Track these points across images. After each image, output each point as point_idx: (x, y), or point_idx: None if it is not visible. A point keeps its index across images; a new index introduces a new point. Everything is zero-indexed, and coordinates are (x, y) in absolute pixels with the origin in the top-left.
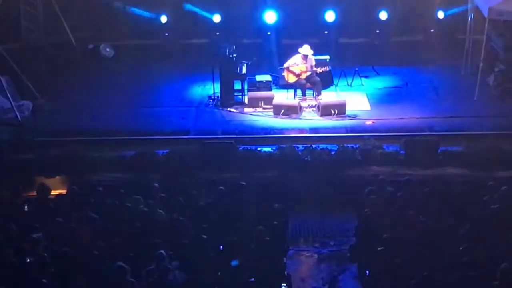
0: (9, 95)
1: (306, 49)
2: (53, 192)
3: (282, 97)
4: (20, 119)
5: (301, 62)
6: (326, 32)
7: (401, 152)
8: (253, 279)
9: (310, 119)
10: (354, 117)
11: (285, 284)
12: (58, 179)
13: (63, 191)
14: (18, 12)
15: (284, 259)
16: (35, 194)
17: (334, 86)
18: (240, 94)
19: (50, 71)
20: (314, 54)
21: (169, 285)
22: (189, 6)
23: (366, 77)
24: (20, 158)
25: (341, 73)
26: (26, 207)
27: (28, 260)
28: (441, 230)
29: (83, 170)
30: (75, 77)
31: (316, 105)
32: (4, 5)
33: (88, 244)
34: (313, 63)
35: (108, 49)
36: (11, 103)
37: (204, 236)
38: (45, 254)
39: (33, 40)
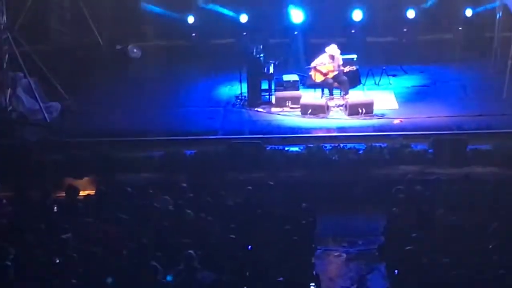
0: (37, 96)
1: (333, 49)
2: (82, 193)
3: (310, 96)
4: (48, 120)
5: (328, 61)
6: (353, 31)
7: (429, 151)
8: (281, 279)
9: (337, 119)
10: (381, 116)
11: (313, 284)
12: (87, 179)
13: (92, 192)
14: (46, 14)
15: (312, 258)
16: (64, 194)
17: (361, 85)
18: (267, 94)
19: (78, 72)
20: (341, 53)
21: (197, 284)
22: (216, 7)
23: (393, 76)
24: (49, 159)
25: (368, 72)
26: (55, 207)
27: (57, 261)
28: (470, 228)
29: (111, 170)
30: (103, 78)
31: (343, 104)
32: (33, 7)
33: (116, 244)
34: (340, 62)
35: (135, 50)
36: (39, 104)
37: (232, 236)
38: (74, 255)
39: (62, 42)
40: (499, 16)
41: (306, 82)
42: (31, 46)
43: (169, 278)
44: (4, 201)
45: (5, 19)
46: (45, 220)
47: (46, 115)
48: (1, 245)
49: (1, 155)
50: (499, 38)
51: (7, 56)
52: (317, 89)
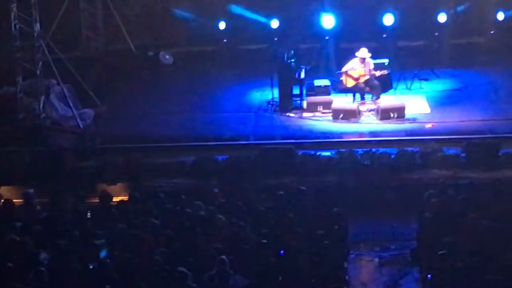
0: (70, 103)
1: (363, 53)
2: (115, 199)
3: (341, 101)
4: (81, 127)
5: (360, 66)
6: (384, 35)
7: (462, 155)
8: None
9: (369, 123)
10: (413, 120)
11: None
12: (120, 185)
13: (125, 198)
14: (78, 21)
15: (345, 263)
16: (98, 200)
17: (393, 89)
18: (299, 99)
19: (111, 79)
20: (373, 58)
21: None
22: (246, 12)
23: (425, 80)
24: (82, 166)
25: (400, 77)
26: (88, 213)
27: (91, 267)
28: (503, 233)
29: (144, 176)
30: (135, 84)
31: (375, 109)
32: (65, 14)
33: (149, 250)
34: (372, 66)
35: (167, 56)
36: (72, 111)
37: (264, 241)
38: (108, 261)
39: (94, 48)
40: None
41: (338, 87)
42: (64, 53)
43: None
44: (39, 207)
45: (39, 26)
46: (79, 226)
47: (79, 121)
48: (35, 251)
49: (36, 162)
50: None
51: (40, 63)
52: (348, 94)
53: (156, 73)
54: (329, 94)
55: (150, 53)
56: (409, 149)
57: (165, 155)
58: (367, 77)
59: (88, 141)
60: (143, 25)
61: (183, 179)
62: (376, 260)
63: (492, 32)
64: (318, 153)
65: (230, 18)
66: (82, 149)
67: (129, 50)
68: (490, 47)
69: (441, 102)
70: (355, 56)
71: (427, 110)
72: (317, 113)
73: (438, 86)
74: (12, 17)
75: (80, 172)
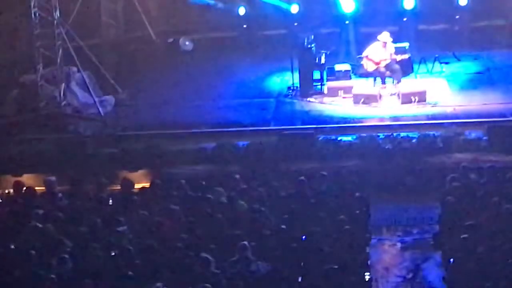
0: (91, 90)
1: (385, 36)
2: (137, 186)
3: (362, 85)
4: (102, 114)
5: (381, 50)
6: (405, 19)
7: (484, 138)
8: (336, 267)
9: (390, 108)
10: (435, 104)
11: (368, 273)
12: (141, 172)
13: (146, 185)
14: (98, 8)
15: (367, 248)
16: (119, 188)
17: (414, 73)
18: (319, 84)
19: (131, 66)
20: (393, 42)
21: (252, 275)
22: None
23: (446, 63)
24: (103, 153)
25: (421, 60)
26: (110, 201)
27: (114, 254)
28: None
29: (165, 163)
30: (156, 71)
31: (396, 93)
32: (85, 2)
33: (171, 236)
34: (393, 50)
35: (187, 43)
36: (93, 98)
37: (286, 227)
38: (130, 247)
39: (114, 35)
40: None
41: (358, 71)
42: (84, 40)
43: None
44: (60, 195)
45: (59, 14)
46: (101, 213)
47: (100, 109)
48: (58, 239)
49: (57, 149)
50: None
51: (61, 51)
52: (369, 78)
53: (176, 60)
54: (349, 78)
55: (170, 40)
56: (431, 133)
57: (186, 141)
58: (388, 61)
59: (109, 128)
60: (163, 12)
61: (204, 166)
62: (399, 244)
63: None
64: (339, 138)
65: (250, 3)
66: (103, 136)
67: (148, 37)
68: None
69: (462, 86)
70: (376, 40)
71: (449, 93)
72: (337, 98)
73: (459, 69)
74: (32, 4)
75: (101, 159)
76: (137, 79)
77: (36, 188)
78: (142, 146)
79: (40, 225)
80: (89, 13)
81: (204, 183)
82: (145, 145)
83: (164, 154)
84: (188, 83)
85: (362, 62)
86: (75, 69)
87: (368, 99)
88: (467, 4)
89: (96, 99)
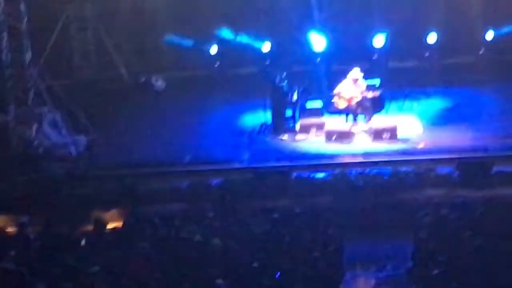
0: (63, 130)
1: (356, 74)
2: (109, 225)
3: (334, 123)
4: (74, 153)
5: (352, 87)
6: (375, 56)
7: (455, 174)
8: None
9: (362, 144)
10: (406, 140)
11: None
12: (114, 212)
13: (119, 224)
14: (70, 48)
15: (341, 285)
16: (92, 227)
17: (385, 110)
18: (292, 121)
19: (103, 105)
20: (364, 79)
21: None
22: (238, 36)
23: (417, 100)
24: (76, 193)
25: (391, 97)
26: (83, 241)
27: None
28: (498, 252)
29: (138, 202)
30: (128, 110)
31: (367, 129)
32: (56, 42)
33: (145, 276)
34: (364, 87)
35: (159, 82)
36: (65, 138)
37: (260, 264)
38: None
39: (86, 75)
40: None
41: (330, 109)
42: (56, 81)
43: None
44: (32, 236)
45: (31, 55)
46: (74, 254)
47: (72, 149)
48: (30, 280)
49: (29, 189)
50: None
51: (32, 91)
52: (341, 115)
53: (149, 99)
54: (321, 116)
55: (142, 79)
56: (403, 169)
57: (159, 180)
58: (359, 98)
59: (81, 168)
60: (135, 52)
61: (177, 204)
62: (372, 280)
63: (481, 51)
64: (312, 175)
65: (222, 42)
66: (76, 176)
67: (120, 77)
68: (480, 66)
69: (433, 122)
70: (347, 78)
71: (420, 130)
72: (310, 135)
73: (429, 105)
74: (3, 45)
75: (74, 199)
76: (109, 119)
77: (9, 229)
78: (114, 186)
79: (12, 267)
80: (61, 53)
81: (177, 221)
82: (117, 185)
83: (137, 193)
84: (161, 122)
85: (333, 100)
86: (47, 109)
87: (340, 136)
88: (436, 42)
89: (68, 139)
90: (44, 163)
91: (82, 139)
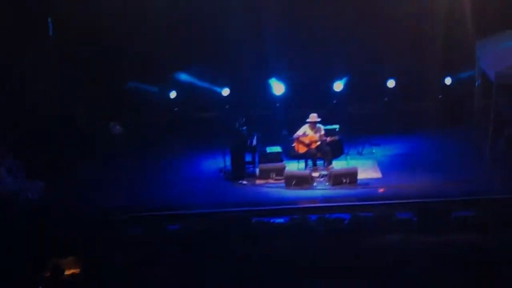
0: (20, 176)
1: (313, 118)
2: (67, 272)
3: (293, 167)
4: (32, 199)
5: (311, 132)
6: (334, 101)
7: (414, 219)
8: None
9: (321, 189)
10: (365, 185)
11: None
12: (71, 259)
13: (77, 271)
14: (26, 94)
15: None
16: (49, 274)
17: (344, 155)
18: (251, 166)
19: (61, 151)
20: (324, 124)
21: None
22: (197, 81)
23: (376, 145)
24: (33, 239)
25: (351, 142)
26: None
27: None
28: None
29: (96, 249)
30: (85, 156)
31: (327, 174)
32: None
33: None
34: (323, 132)
35: (118, 127)
36: (22, 184)
37: None
38: None
39: (43, 120)
40: (478, 83)
41: (290, 153)
42: (12, 125)
43: None
44: None
45: None
46: None
47: (29, 195)
48: None
49: None
50: (479, 105)
51: None
52: (300, 160)
53: (107, 144)
54: (281, 160)
55: (100, 124)
56: (362, 214)
57: (117, 226)
58: (319, 143)
59: (38, 214)
60: (93, 96)
61: (135, 251)
62: None
63: (440, 96)
64: (272, 220)
65: (181, 87)
66: (32, 223)
67: (78, 121)
68: (439, 111)
69: (392, 167)
70: (306, 122)
71: (379, 175)
72: (270, 180)
73: (388, 151)
74: None
75: (30, 246)
76: (66, 164)
77: None
78: (72, 232)
79: None
80: (17, 98)
81: (134, 268)
82: (75, 231)
83: (95, 239)
84: (118, 167)
85: (293, 144)
86: (3, 154)
87: (300, 181)
88: (394, 87)
89: (26, 185)
90: (1, 209)
91: (40, 185)
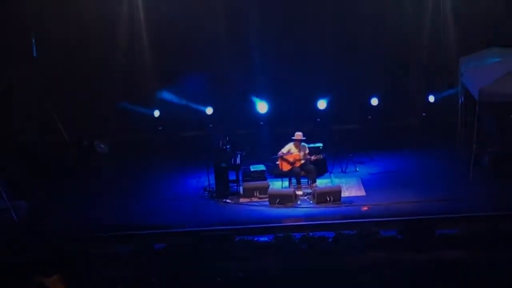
0: (4, 195)
1: (298, 136)
2: None
3: (277, 186)
4: (16, 219)
5: (295, 150)
6: (318, 119)
7: (398, 236)
8: None
9: (305, 207)
10: (349, 203)
11: None
12: (56, 277)
13: None
14: (10, 112)
15: None
16: None
17: (328, 173)
18: (235, 184)
19: (45, 170)
20: (308, 142)
21: None
22: (181, 100)
23: (360, 163)
24: (17, 259)
25: (335, 160)
26: None
27: None
28: None
29: (80, 267)
30: (70, 174)
31: (311, 193)
32: None
33: None
34: (307, 151)
35: (102, 145)
36: (6, 203)
37: None
38: None
39: (27, 139)
40: (461, 100)
41: (274, 172)
42: None
43: None
44: None
45: None
46: None
47: (13, 214)
48: None
49: None
50: (463, 122)
51: None
52: (284, 179)
53: (92, 162)
54: (265, 179)
55: (85, 143)
56: (346, 232)
57: (101, 245)
58: (303, 161)
59: (22, 234)
60: (77, 115)
61: (121, 269)
62: None
63: (424, 114)
64: (255, 239)
65: (164, 106)
66: (17, 242)
67: (62, 140)
68: (423, 129)
69: (376, 185)
70: (291, 141)
71: (363, 193)
72: (254, 198)
73: (372, 168)
74: None
75: (14, 265)
76: (51, 183)
77: None
78: (56, 251)
79: None
80: (1, 117)
81: (119, 287)
82: (59, 250)
83: (79, 258)
84: (103, 186)
85: (277, 162)
86: None
87: (284, 199)
88: (378, 104)
89: (9, 204)
90: None
91: (23, 204)
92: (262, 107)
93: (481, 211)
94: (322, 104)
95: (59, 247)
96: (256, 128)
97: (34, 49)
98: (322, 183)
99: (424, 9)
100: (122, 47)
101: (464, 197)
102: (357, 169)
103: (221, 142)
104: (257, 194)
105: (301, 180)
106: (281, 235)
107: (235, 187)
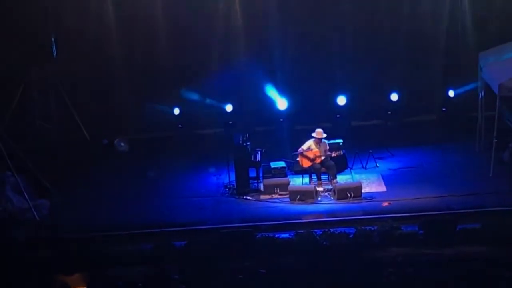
0: (26, 194)
1: (319, 133)
2: None
3: (298, 182)
4: (38, 218)
5: (315, 146)
6: (338, 116)
7: (420, 232)
8: None
9: (326, 203)
10: (370, 199)
11: None
12: (78, 275)
13: None
14: (32, 111)
15: None
16: None
17: (348, 169)
18: (256, 181)
19: (67, 168)
20: (328, 138)
21: None
22: (200, 97)
23: (380, 158)
24: (39, 257)
25: (355, 156)
26: None
27: None
28: None
29: (102, 265)
30: (91, 173)
31: (331, 189)
32: (18, 105)
33: None
34: (327, 147)
35: (122, 144)
36: (28, 202)
37: None
38: None
39: (48, 138)
40: (482, 95)
41: (294, 168)
42: (18, 144)
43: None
44: None
45: None
46: None
47: (35, 213)
48: None
49: None
50: (483, 117)
51: None
52: (305, 175)
53: (112, 161)
54: (285, 175)
55: (105, 141)
56: (367, 227)
57: (123, 243)
58: (323, 157)
59: (44, 232)
60: (98, 113)
61: (142, 267)
62: None
63: (444, 109)
64: (276, 235)
65: (184, 103)
66: (39, 240)
67: (83, 139)
68: (443, 124)
69: (396, 180)
70: (311, 137)
71: (383, 188)
72: (274, 195)
73: (393, 164)
74: None
75: (37, 263)
76: (73, 182)
77: None
78: (78, 249)
79: None
80: (23, 116)
81: (140, 284)
82: (81, 248)
83: (101, 256)
84: (124, 184)
85: (297, 159)
86: (9, 173)
87: (304, 196)
88: (398, 100)
89: (31, 203)
90: (7, 228)
91: (45, 203)
92: (282, 103)
93: (502, 206)
94: (341, 100)
95: (80, 246)
96: (276, 125)
97: (54, 48)
98: (342, 179)
99: (443, 4)
100: (142, 46)
101: (485, 192)
102: (378, 165)
103: (241, 139)
104: (278, 190)
105: (322, 176)
106: (302, 231)
107: (256, 184)
